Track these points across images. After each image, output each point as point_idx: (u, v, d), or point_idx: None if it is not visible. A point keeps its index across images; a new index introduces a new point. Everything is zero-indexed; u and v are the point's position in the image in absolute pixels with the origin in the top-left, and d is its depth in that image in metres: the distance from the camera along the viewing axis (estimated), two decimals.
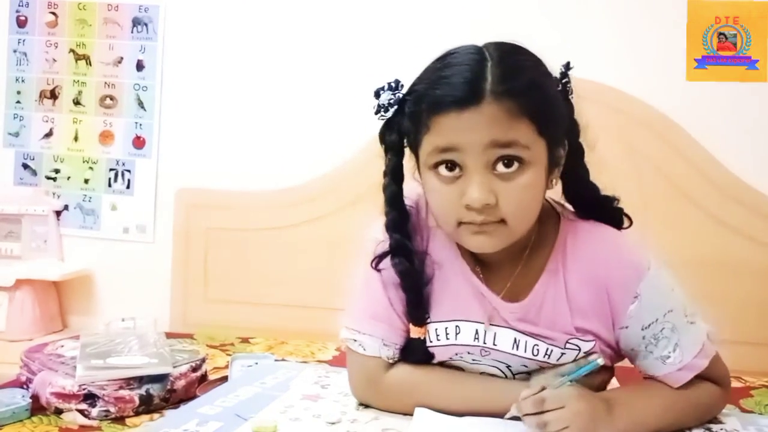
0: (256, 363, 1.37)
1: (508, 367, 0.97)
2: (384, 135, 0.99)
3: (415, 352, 0.98)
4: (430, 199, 0.94)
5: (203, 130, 2.33)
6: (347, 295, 1.04)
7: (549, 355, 0.93)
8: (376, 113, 0.99)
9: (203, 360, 1.68)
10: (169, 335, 2.09)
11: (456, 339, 0.95)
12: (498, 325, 0.94)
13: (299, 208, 2.23)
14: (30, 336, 2.23)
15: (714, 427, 0.94)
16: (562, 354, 0.93)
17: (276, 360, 1.46)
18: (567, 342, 0.93)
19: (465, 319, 0.95)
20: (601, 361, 0.89)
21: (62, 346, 1.67)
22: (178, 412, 0.96)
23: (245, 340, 2.09)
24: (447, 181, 0.89)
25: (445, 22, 2.17)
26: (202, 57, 2.33)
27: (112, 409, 1.45)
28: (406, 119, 0.94)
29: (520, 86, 0.87)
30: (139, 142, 2.37)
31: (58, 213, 2.41)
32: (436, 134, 0.89)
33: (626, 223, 1.00)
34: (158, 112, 2.35)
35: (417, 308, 0.97)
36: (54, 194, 2.43)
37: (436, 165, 0.89)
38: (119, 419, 1.45)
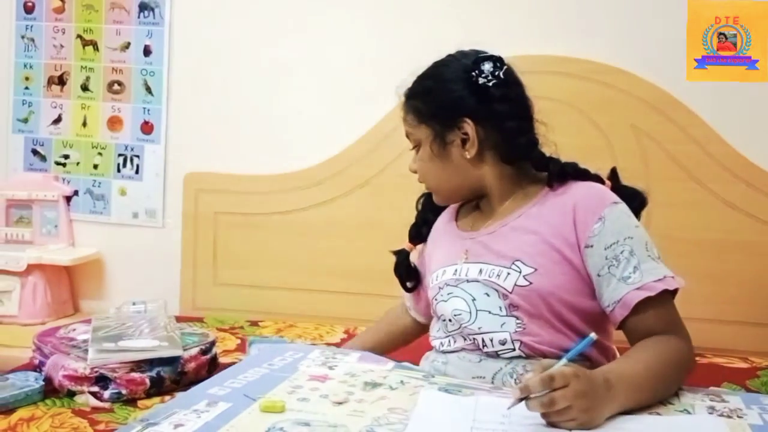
0: None
1: (474, 300, 1.13)
2: None
3: (404, 267, 1.37)
4: None
5: (211, 114, 2.33)
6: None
7: (499, 276, 1.11)
8: None
9: (213, 343, 1.70)
10: (179, 319, 2.11)
11: (441, 278, 1.20)
12: (469, 262, 1.16)
13: (307, 191, 2.23)
14: (42, 320, 2.26)
15: (717, 405, 0.95)
16: (508, 274, 1.10)
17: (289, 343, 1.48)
18: (512, 264, 1.10)
19: (448, 264, 1.21)
20: (595, 336, 0.91)
21: (74, 329, 1.69)
22: (188, 393, 0.98)
23: (254, 323, 2.11)
24: None
25: (453, 7, 2.16)
26: (209, 41, 2.33)
27: (124, 391, 1.47)
28: None
29: (408, 92, 1.22)
30: (147, 128, 2.38)
31: (68, 198, 2.43)
32: None
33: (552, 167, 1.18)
34: (165, 97, 2.36)
35: (417, 230, 1.38)
36: (64, 180, 2.45)
37: None
38: (131, 401, 1.47)
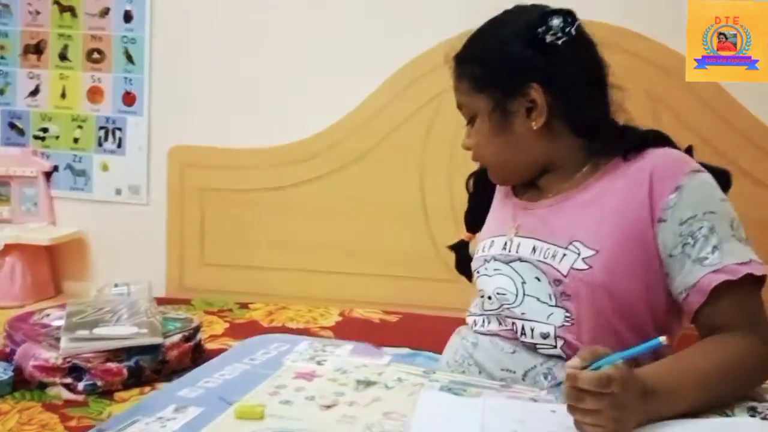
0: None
1: (523, 283, 0.98)
2: None
3: (466, 261, 1.15)
4: None
5: (197, 84, 2.22)
6: None
7: (554, 257, 0.96)
8: None
9: (197, 329, 1.60)
10: (165, 300, 2.03)
11: (489, 251, 1.05)
12: (520, 236, 1.02)
13: (300, 166, 2.14)
14: (21, 302, 2.17)
15: (760, 406, 0.83)
16: (564, 256, 0.95)
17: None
18: (570, 244, 0.95)
19: (497, 234, 1.06)
20: (664, 341, 0.77)
21: (48, 315, 1.60)
22: (154, 397, 0.86)
23: (244, 306, 2.02)
24: None
25: None
26: (194, 6, 2.20)
27: (100, 383, 1.40)
28: None
29: (461, 56, 1.04)
30: (129, 99, 2.26)
31: (47, 174, 2.33)
32: None
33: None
34: (148, 66, 2.24)
35: (472, 217, 1.18)
36: (43, 155, 2.33)
37: None
38: (107, 393, 1.39)
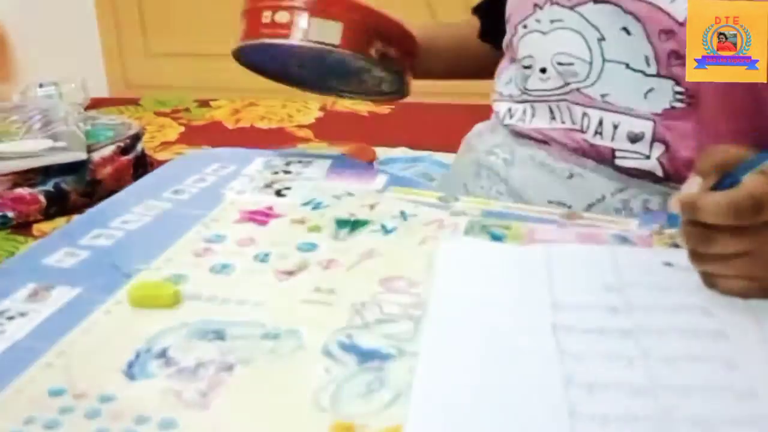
0: None
1: (600, 40, 0.61)
2: None
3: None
4: None
5: None
6: None
7: None
8: None
9: (136, 137, 1.27)
10: (108, 102, 1.69)
11: None
12: None
13: None
14: None
15: None
16: None
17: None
18: None
19: None
20: None
21: None
22: (7, 268, 0.54)
23: (204, 103, 1.70)
24: None
25: None
26: None
27: (11, 214, 1.12)
28: None
29: None
30: None
31: None
32: None
33: None
34: None
35: None
36: None
37: None
38: (23, 226, 1.11)
